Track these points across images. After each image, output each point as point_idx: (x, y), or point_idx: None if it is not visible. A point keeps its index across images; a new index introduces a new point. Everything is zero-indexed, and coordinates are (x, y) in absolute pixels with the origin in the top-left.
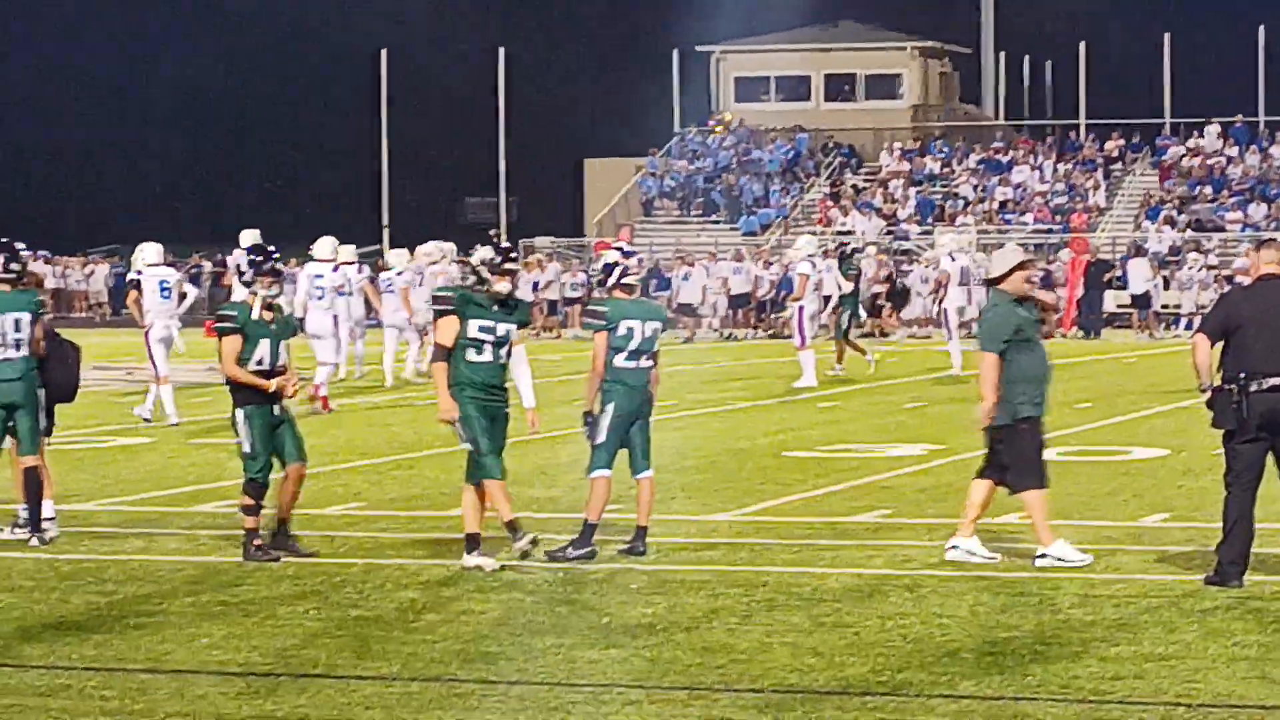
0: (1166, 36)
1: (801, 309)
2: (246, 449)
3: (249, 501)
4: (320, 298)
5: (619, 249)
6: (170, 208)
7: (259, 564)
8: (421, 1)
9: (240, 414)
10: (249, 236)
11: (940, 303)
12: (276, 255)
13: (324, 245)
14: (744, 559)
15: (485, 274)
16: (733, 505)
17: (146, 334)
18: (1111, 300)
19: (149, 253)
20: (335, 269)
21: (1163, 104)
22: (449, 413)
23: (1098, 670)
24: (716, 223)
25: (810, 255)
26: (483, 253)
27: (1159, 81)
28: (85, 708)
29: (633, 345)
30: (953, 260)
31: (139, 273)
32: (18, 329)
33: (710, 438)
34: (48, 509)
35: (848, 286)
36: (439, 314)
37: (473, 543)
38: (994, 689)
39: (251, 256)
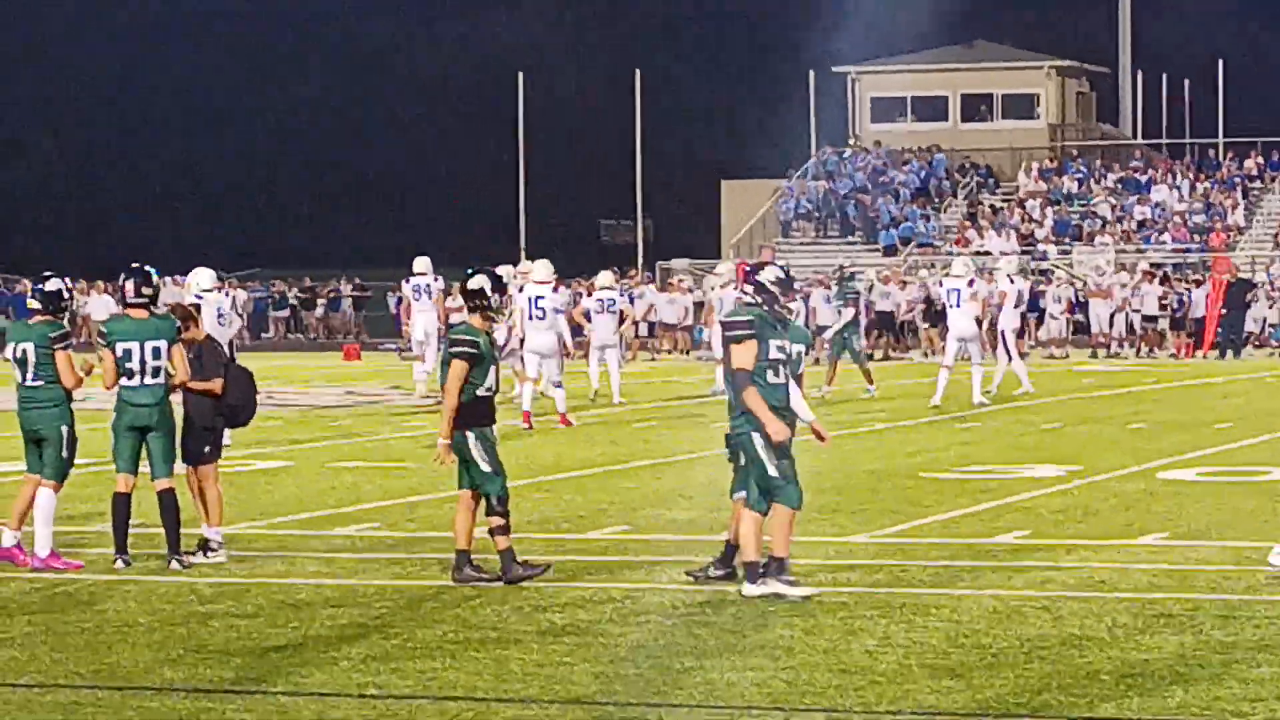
0: None
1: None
2: (487, 469)
3: (499, 522)
4: (541, 318)
5: (779, 267)
6: (304, 231)
7: (396, 587)
8: (559, 24)
9: (471, 436)
10: (421, 263)
11: (995, 324)
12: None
13: (543, 268)
14: (881, 581)
15: (779, 293)
16: (870, 527)
17: None
18: (1252, 320)
19: (203, 278)
20: (555, 289)
21: None
22: (780, 434)
23: (1239, 692)
24: (853, 244)
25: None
26: (773, 272)
27: None
28: None
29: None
30: (1011, 282)
31: (198, 297)
32: (156, 356)
33: (847, 459)
34: (215, 534)
35: (849, 313)
36: (738, 338)
37: (754, 571)
38: (1134, 711)
39: (493, 283)
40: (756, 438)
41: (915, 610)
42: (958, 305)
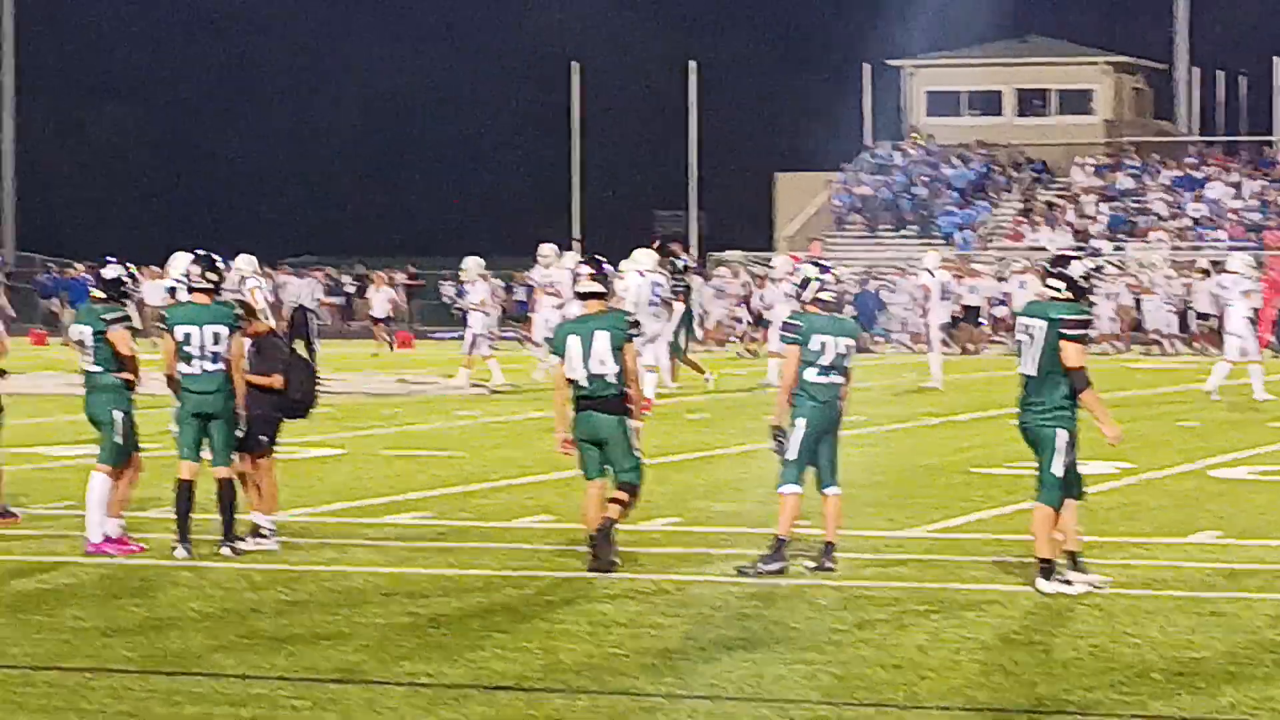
0: None
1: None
2: (638, 456)
3: (626, 498)
4: (656, 304)
5: (816, 264)
6: (357, 220)
7: (447, 577)
8: (613, 15)
9: (630, 423)
10: (570, 258)
11: (924, 316)
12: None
13: (648, 257)
14: (933, 575)
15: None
16: (922, 521)
17: None
18: None
19: (244, 264)
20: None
21: None
22: (1118, 436)
23: None
24: (906, 238)
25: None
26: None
27: None
28: (277, 717)
29: (824, 360)
30: (933, 276)
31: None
32: (216, 341)
33: (900, 453)
34: (267, 520)
35: (679, 307)
36: (1078, 338)
37: (1048, 567)
38: (1185, 709)
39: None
40: (1062, 434)
41: (966, 606)
42: (1236, 302)
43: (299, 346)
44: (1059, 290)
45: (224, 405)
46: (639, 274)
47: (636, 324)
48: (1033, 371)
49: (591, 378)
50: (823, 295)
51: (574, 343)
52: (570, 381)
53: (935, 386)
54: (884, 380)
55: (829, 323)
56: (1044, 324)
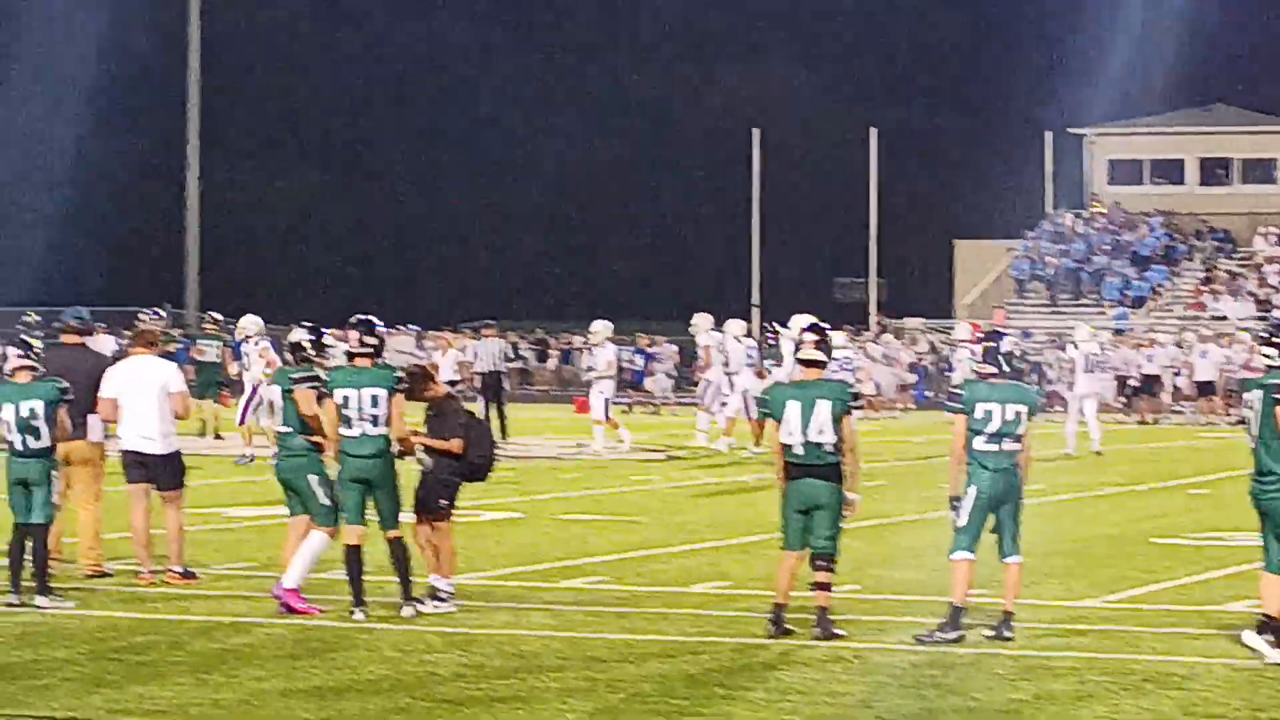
0: None
1: None
2: (841, 525)
3: (828, 578)
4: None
5: (994, 332)
6: (537, 285)
7: (624, 642)
8: (795, 82)
9: (855, 497)
10: (737, 326)
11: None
12: None
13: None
14: (1112, 646)
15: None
16: (1102, 591)
17: None
18: None
19: (249, 324)
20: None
21: None
22: None
23: None
24: (1087, 306)
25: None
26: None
27: None
28: None
29: (991, 428)
30: (1075, 348)
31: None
32: (375, 405)
33: (1080, 522)
34: (445, 584)
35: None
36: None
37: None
38: None
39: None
40: None
41: (1147, 677)
42: None
43: (493, 410)
44: (1272, 358)
45: (385, 468)
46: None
47: (857, 396)
48: (1257, 444)
49: (808, 445)
50: (987, 363)
51: (794, 408)
52: (784, 447)
53: (1069, 453)
54: (1062, 449)
55: (994, 390)
56: (1259, 393)
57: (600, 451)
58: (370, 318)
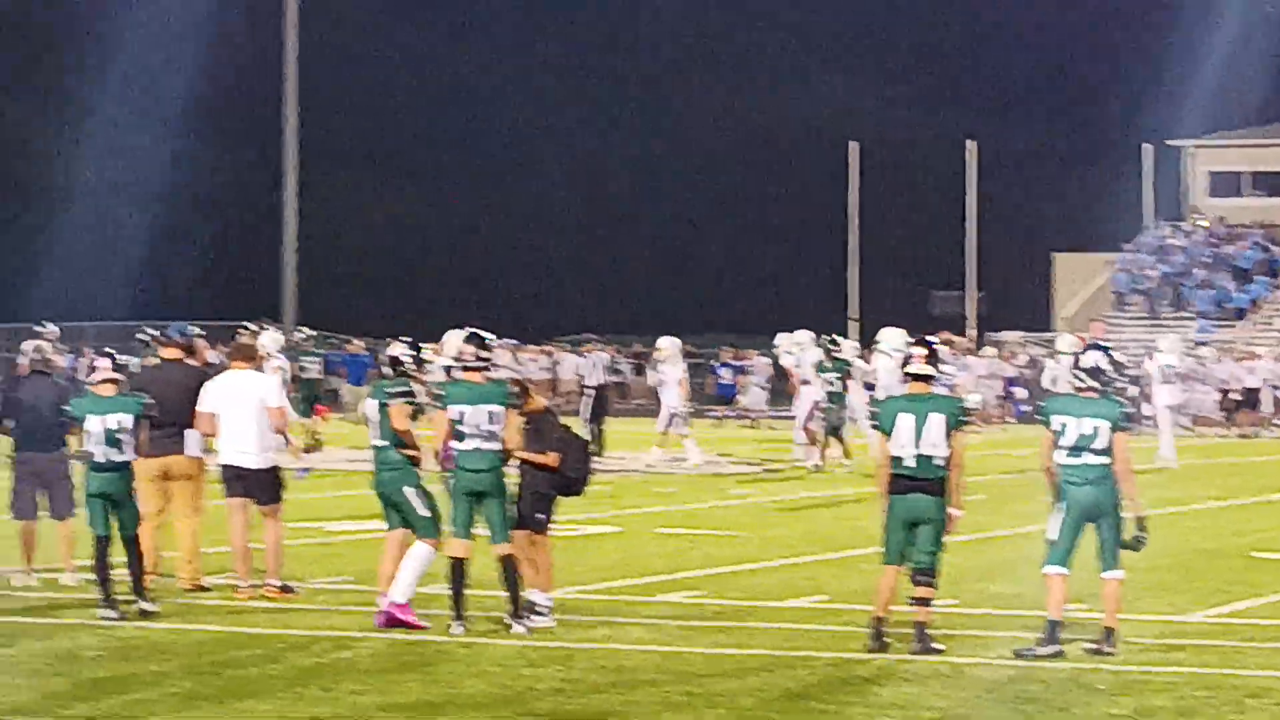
0: None
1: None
2: (945, 541)
3: (930, 593)
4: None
5: (1095, 346)
6: (634, 299)
7: (722, 656)
8: (892, 95)
9: (959, 513)
10: (894, 335)
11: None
12: None
13: (898, 336)
14: (1213, 661)
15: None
16: (1202, 606)
17: None
18: None
19: (268, 341)
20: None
21: None
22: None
23: None
24: (1187, 320)
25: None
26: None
27: None
28: None
29: (1067, 441)
30: (1150, 360)
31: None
32: (491, 420)
33: (1179, 537)
34: (543, 598)
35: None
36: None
37: None
38: None
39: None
40: None
41: (1249, 693)
42: None
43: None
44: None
45: (497, 483)
46: (888, 355)
47: (968, 411)
48: None
49: (920, 459)
50: (1075, 377)
51: (906, 421)
52: (893, 459)
53: (1166, 467)
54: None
55: (1073, 403)
56: None
57: (699, 463)
58: (481, 331)
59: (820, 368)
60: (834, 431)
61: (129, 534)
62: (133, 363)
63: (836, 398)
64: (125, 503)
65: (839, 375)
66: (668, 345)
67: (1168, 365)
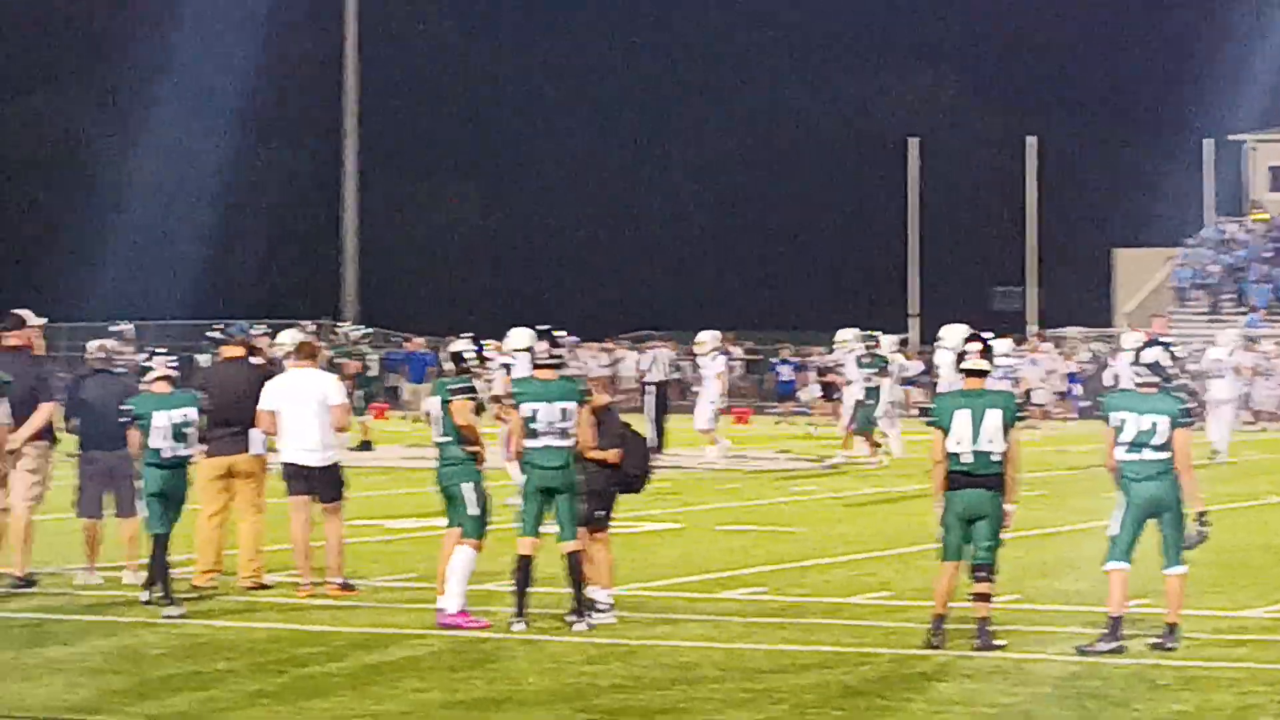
0: None
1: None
2: (1002, 536)
3: (988, 589)
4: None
5: (1155, 342)
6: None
7: (784, 653)
8: (952, 91)
9: (1013, 508)
10: (956, 332)
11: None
12: None
13: (957, 333)
14: (1275, 656)
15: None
16: (1264, 601)
17: None
18: None
19: (286, 339)
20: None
21: None
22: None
23: None
24: (1250, 313)
25: None
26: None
27: None
28: None
29: (1126, 437)
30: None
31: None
32: (564, 418)
33: (1241, 532)
34: (604, 595)
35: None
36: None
37: None
38: None
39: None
40: None
41: None
42: None
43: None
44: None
45: (569, 480)
46: (950, 351)
47: (1023, 406)
48: None
49: (978, 454)
50: (1136, 372)
51: (963, 417)
52: (950, 455)
53: (1221, 461)
54: (1219, 458)
55: (1132, 398)
56: None
57: (715, 462)
58: (552, 329)
59: (860, 363)
60: (867, 426)
61: (169, 530)
62: (203, 360)
63: (873, 393)
64: (179, 500)
65: (875, 371)
66: (708, 338)
67: (1216, 359)
